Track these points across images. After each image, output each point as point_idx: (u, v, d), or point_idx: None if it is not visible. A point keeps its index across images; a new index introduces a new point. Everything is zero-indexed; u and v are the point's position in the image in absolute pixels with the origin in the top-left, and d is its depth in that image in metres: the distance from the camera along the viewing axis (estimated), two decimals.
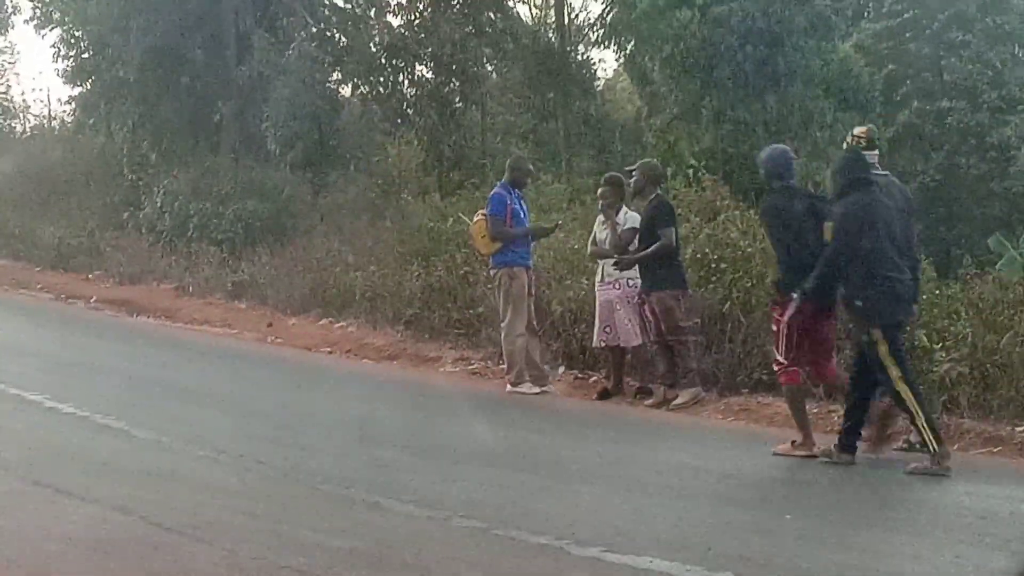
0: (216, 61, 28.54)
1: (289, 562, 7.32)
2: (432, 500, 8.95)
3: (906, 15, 40.62)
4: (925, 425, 10.03)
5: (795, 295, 10.63)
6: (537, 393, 14.29)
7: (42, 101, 55.81)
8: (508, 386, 14.43)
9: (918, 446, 10.32)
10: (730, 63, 31.02)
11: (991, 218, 37.04)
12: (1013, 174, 38.46)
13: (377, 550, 7.77)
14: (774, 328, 11.16)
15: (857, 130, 11.70)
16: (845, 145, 11.77)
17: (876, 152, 11.32)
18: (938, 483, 9.89)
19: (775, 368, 11.38)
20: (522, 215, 14.87)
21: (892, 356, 10.18)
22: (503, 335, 14.59)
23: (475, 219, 15.21)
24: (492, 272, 14.91)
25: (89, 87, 31.58)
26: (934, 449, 9.98)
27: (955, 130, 38.85)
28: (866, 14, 41.58)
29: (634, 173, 14.19)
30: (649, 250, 13.51)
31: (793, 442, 10.92)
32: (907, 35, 40.68)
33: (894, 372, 10.16)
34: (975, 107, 38.82)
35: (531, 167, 16.31)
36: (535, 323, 14.76)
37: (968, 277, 15.90)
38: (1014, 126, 38.72)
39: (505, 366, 14.76)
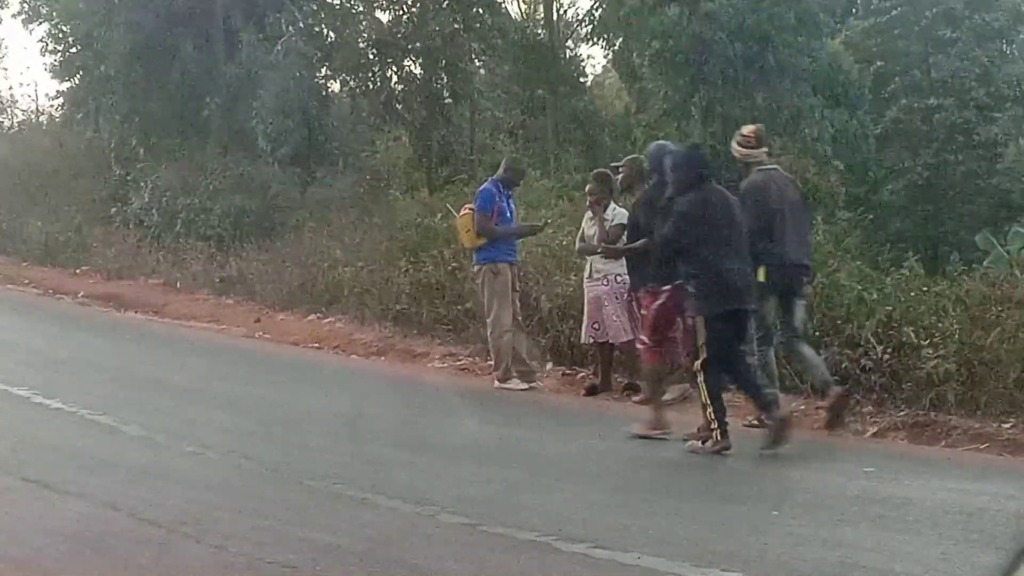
0: (204, 56, 28.47)
1: (277, 558, 7.33)
2: (420, 496, 8.95)
3: (894, 12, 40.68)
4: (713, 416, 10.73)
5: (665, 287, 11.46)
6: (524, 389, 14.29)
7: (30, 96, 55.85)
8: (496, 382, 14.43)
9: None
10: (719, 60, 31.07)
11: (979, 215, 37.16)
12: (1001, 171, 38.56)
13: (365, 546, 7.78)
14: (643, 313, 12.07)
15: (746, 129, 12.55)
16: (734, 142, 12.44)
17: (765, 149, 12.30)
18: (926, 481, 9.94)
19: (639, 347, 12.07)
20: (508, 214, 14.84)
21: (709, 343, 10.82)
22: (489, 331, 14.59)
23: (462, 212, 15.20)
24: (476, 268, 14.90)
25: (77, 82, 31.52)
26: (716, 438, 10.69)
27: (943, 127, 38.96)
28: (854, 11, 41.62)
29: (621, 169, 14.18)
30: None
31: (648, 423, 11.56)
32: (895, 32, 40.75)
33: (702, 357, 10.83)
34: (963, 104, 38.93)
35: (526, 170, 16.31)
36: (520, 318, 14.75)
37: (955, 274, 15.93)
38: (1002, 123, 38.82)
39: (492, 362, 14.77)
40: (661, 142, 12.87)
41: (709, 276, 10.81)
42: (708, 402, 10.78)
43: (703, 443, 10.83)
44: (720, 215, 10.92)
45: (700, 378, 10.89)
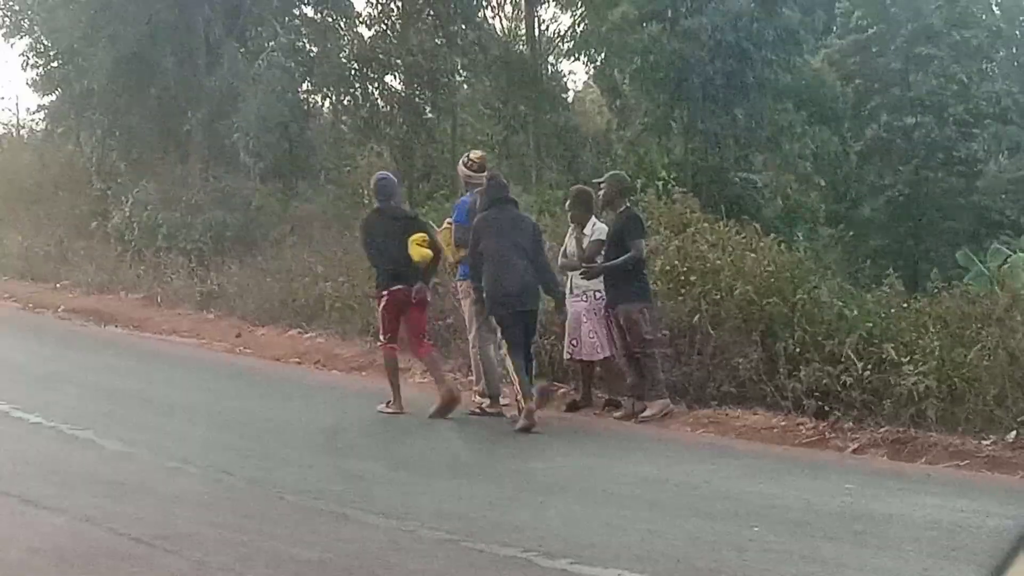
0: (186, 71, 28.43)
1: (257, 573, 7.33)
2: (401, 511, 8.96)
3: (872, 30, 40.85)
4: (520, 391, 12.73)
5: (384, 294, 13.61)
6: (505, 405, 14.27)
7: (10, 110, 55.49)
8: (476, 397, 14.39)
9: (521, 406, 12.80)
10: (699, 76, 31.19)
11: (959, 232, 37.30)
12: (980, 188, 38.72)
13: (345, 561, 7.77)
14: (377, 314, 14.03)
15: (473, 154, 14.66)
16: (460, 163, 14.57)
17: (485, 174, 13.91)
18: (906, 497, 9.97)
19: (378, 344, 14.36)
20: None
21: (505, 340, 12.95)
22: (471, 347, 14.55)
23: (442, 227, 15.18)
24: (457, 283, 14.87)
25: (58, 96, 31.47)
26: (527, 409, 12.63)
27: (923, 144, 39.14)
28: (834, 29, 41.78)
29: (603, 186, 14.20)
30: (619, 260, 13.51)
31: (388, 402, 13.62)
32: (874, 50, 40.92)
33: (504, 348, 13.00)
34: (942, 121, 39.10)
35: (503, 180, 16.33)
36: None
37: (936, 291, 15.96)
38: (981, 140, 39.00)
39: (473, 377, 14.73)
40: (384, 173, 15.37)
41: (492, 281, 12.95)
42: (514, 377, 12.78)
43: (520, 414, 12.71)
44: (507, 231, 13.03)
45: (507, 361, 12.92)
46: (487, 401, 14.08)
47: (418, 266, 13.62)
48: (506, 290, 12.90)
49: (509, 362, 12.88)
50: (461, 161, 14.55)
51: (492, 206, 13.18)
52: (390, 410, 13.58)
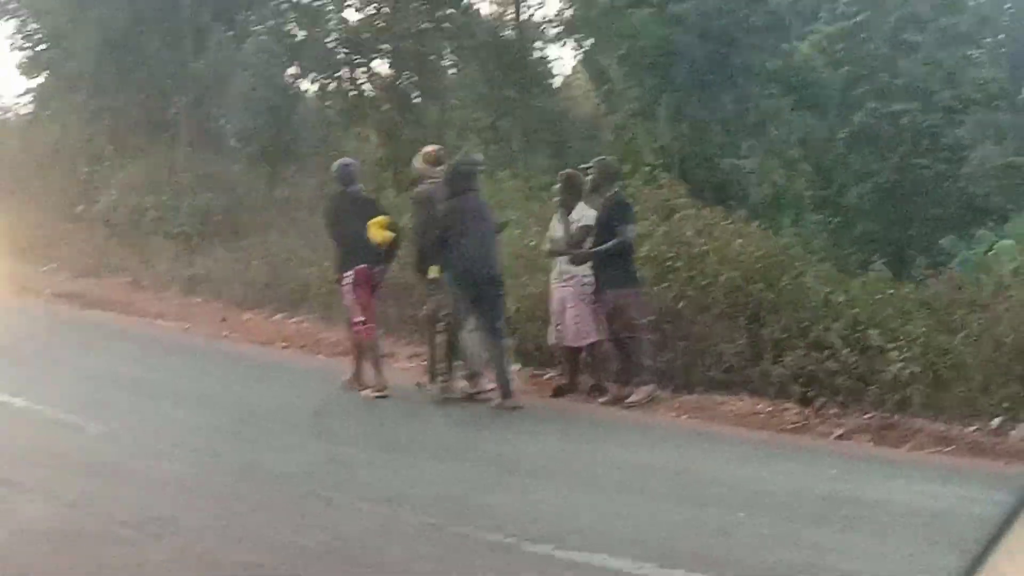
0: (173, 54, 28.40)
1: (243, 558, 7.32)
2: (386, 496, 8.95)
3: (859, 17, 40.85)
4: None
5: (347, 275, 13.96)
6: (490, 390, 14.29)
7: None
8: (463, 383, 14.38)
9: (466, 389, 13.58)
10: (687, 61, 31.15)
11: (945, 218, 37.32)
12: (967, 175, 38.74)
13: (330, 545, 7.77)
14: (343, 298, 14.31)
15: (427, 149, 14.81)
16: (417, 161, 14.62)
17: (441, 168, 14.12)
18: (892, 483, 9.99)
19: (354, 328, 14.21)
20: None
21: (462, 312, 13.32)
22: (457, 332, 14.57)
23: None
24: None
25: (44, 79, 31.40)
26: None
27: (909, 131, 39.15)
28: (821, 15, 41.78)
29: (590, 171, 14.20)
30: (606, 246, 13.51)
31: (370, 387, 13.93)
32: (862, 36, 40.92)
33: (472, 328, 13.32)
34: (929, 108, 39.10)
35: (480, 158, 16.39)
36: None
37: (922, 277, 16.00)
38: (968, 127, 39.03)
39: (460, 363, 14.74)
40: (344, 160, 15.27)
41: (461, 263, 13.21)
42: (478, 357, 13.40)
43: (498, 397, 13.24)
44: (470, 217, 13.35)
45: (469, 338, 13.35)
46: (470, 383, 14.16)
47: (379, 248, 14.03)
48: (489, 271, 13.35)
49: (472, 341, 13.41)
50: (416, 159, 14.79)
51: (459, 194, 13.50)
52: (383, 394, 13.78)
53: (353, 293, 14.00)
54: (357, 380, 14.13)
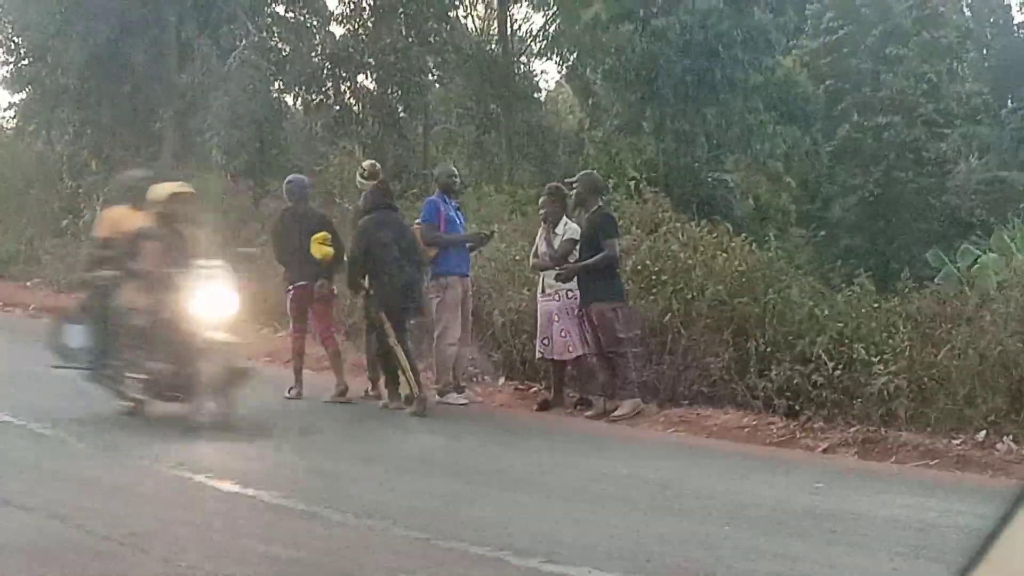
0: (157, 68, 28.41)
1: (226, 571, 7.30)
2: (372, 509, 8.94)
3: (842, 31, 40.98)
4: (411, 379, 13.70)
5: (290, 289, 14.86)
6: (463, 404, 14.32)
7: None
8: (436, 396, 14.41)
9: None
10: (670, 75, 31.21)
11: (930, 232, 37.42)
12: (951, 189, 38.85)
13: (315, 559, 7.76)
14: (287, 307, 15.25)
15: (365, 164, 15.97)
16: (358, 175, 15.69)
17: (375, 182, 14.89)
18: (876, 496, 10.00)
19: (293, 335, 15.36)
20: (458, 223, 14.91)
21: (394, 331, 13.69)
22: (435, 344, 14.61)
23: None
24: (429, 284, 14.93)
25: (29, 93, 31.37)
26: (417, 394, 13.67)
27: (893, 145, 39.26)
28: (805, 30, 41.90)
29: (575, 185, 14.22)
30: (592, 260, 13.53)
31: (290, 388, 14.94)
32: (845, 51, 41.06)
33: (391, 340, 13.70)
34: (912, 122, 39.22)
35: (455, 170, 16.48)
36: (468, 333, 14.79)
37: (906, 291, 16.02)
38: (951, 141, 39.17)
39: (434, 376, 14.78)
40: (296, 176, 16.30)
41: (384, 279, 13.79)
42: (405, 368, 13.70)
43: (409, 403, 13.77)
44: (390, 234, 13.90)
45: (398, 353, 13.68)
46: (460, 399, 14.26)
47: (321, 263, 14.60)
48: (408, 286, 13.89)
49: (400, 353, 13.73)
50: (358, 172, 15.91)
51: (377, 210, 14.18)
52: (291, 395, 14.81)
53: (295, 305, 14.99)
54: (298, 388, 14.97)
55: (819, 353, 13.49)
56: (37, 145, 31.62)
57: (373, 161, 16.49)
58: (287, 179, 15.81)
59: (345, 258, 14.58)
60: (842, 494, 10.10)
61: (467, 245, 15.11)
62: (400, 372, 13.85)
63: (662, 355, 14.53)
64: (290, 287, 14.92)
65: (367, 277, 14.07)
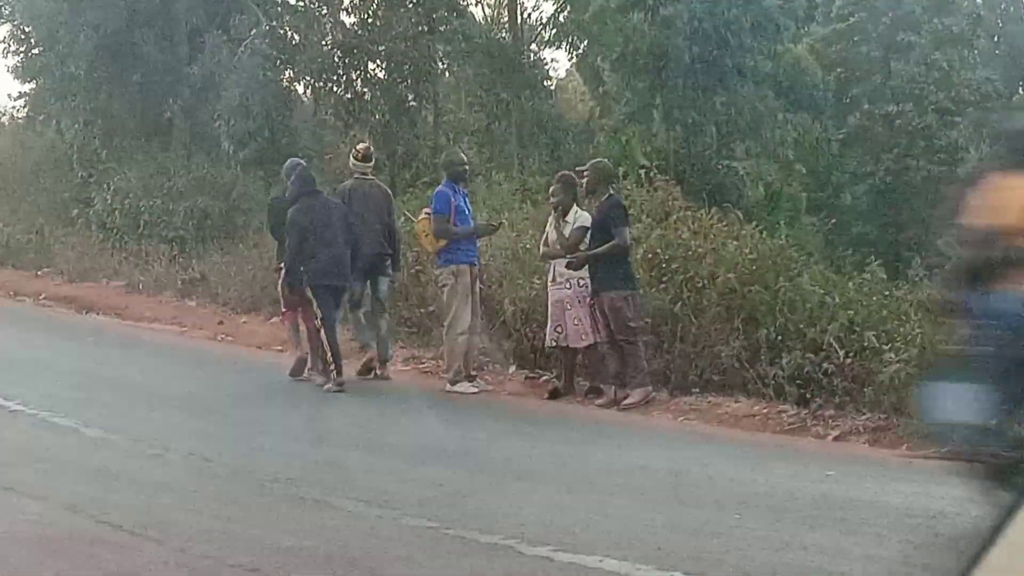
0: (168, 58, 28.34)
1: (239, 560, 7.31)
2: (383, 499, 8.95)
3: (853, 18, 40.81)
4: (332, 359, 14.41)
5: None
6: (475, 392, 14.31)
7: None
8: (447, 385, 14.42)
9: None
10: (679, 63, 31.13)
11: (941, 220, 37.23)
12: (962, 176, 38.71)
13: (327, 549, 7.76)
14: (278, 287, 15.59)
15: (359, 146, 16.37)
16: (351, 156, 16.06)
17: (370, 164, 15.84)
18: (887, 484, 9.98)
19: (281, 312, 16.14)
20: (467, 211, 14.88)
21: (320, 308, 14.45)
22: (445, 332, 14.61)
23: (419, 217, 15.27)
24: (437, 272, 14.94)
25: (39, 83, 31.38)
26: (334, 376, 14.38)
27: (904, 132, 39.09)
28: (815, 17, 41.73)
29: (586, 173, 14.21)
30: (602, 248, 13.52)
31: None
32: (856, 38, 40.89)
33: (320, 321, 14.47)
34: (923, 109, 39.07)
35: (464, 157, 16.50)
36: (478, 321, 14.79)
37: (917, 279, 15.97)
38: (962, 128, 39.03)
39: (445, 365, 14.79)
40: (294, 159, 16.42)
41: (314, 261, 14.29)
42: (328, 349, 14.41)
43: (325, 383, 14.45)
44: (320, 217, 14.42)
45: (323, 333, 14.47)
46: (471, 388, 14.26)
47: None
48: (338, 268, 14.44)
49: (325, 332, 14.47)
50: (351, 154, 16.20)
51: (302, 196, 14.65)
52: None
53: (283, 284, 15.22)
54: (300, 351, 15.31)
55: (830, 341, 13.46)
56: (47, 135, 31.61)
57: (367, 143, 17.15)
58: (290, 163, 16.00)
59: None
60: (853, 482, 10.09)
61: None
62: (327, 351, 14.53)
63: (673, 343, 14.51)
64: (282, 265, 15.16)
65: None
